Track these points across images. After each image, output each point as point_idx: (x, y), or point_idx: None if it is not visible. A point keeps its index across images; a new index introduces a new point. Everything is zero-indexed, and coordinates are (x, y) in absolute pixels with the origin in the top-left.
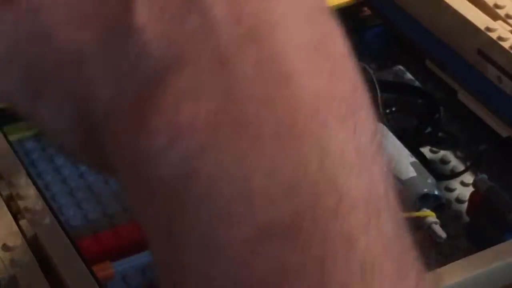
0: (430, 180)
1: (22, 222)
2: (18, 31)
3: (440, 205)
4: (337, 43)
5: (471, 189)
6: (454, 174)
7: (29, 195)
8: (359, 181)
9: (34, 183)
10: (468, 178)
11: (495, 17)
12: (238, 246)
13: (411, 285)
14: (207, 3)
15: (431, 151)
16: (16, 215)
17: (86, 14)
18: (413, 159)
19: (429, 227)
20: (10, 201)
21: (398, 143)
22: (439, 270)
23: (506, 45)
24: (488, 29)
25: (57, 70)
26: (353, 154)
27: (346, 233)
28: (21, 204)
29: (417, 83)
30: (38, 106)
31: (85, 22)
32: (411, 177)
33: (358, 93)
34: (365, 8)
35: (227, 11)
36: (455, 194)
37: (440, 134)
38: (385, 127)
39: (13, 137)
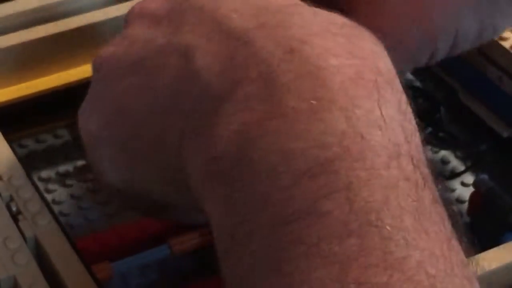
0: None
1: (22, 223)
2: None
3: None
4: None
5: (471, 189)
6: (454, 174)
7: (29, 196)
8: (382, 136)
9: (34, 184)
10: (468, 178)
11: None
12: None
13: (429, 218)
14: (249, 37)
15: (431, 151)
16: (16, 215)
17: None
18: None
19: None
20: (10, 202)
21: None
22: None
23: (506, 45)
24: None
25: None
26: (378, 118)
27: (370, 167)
28: (21, 204)
29: (417, 83)
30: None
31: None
32: None
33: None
34: None
35: (267, 38)
36: (455, 194)
37: (440, 134)
38: None
39: (12, 137)
